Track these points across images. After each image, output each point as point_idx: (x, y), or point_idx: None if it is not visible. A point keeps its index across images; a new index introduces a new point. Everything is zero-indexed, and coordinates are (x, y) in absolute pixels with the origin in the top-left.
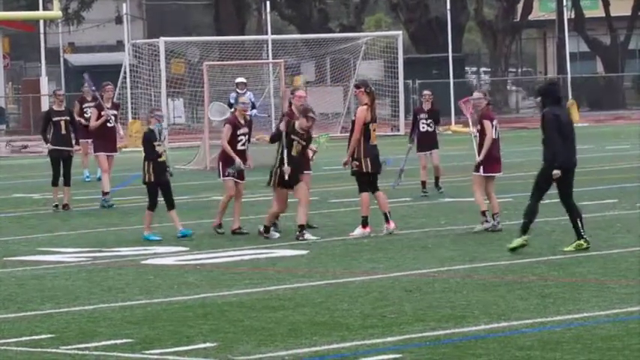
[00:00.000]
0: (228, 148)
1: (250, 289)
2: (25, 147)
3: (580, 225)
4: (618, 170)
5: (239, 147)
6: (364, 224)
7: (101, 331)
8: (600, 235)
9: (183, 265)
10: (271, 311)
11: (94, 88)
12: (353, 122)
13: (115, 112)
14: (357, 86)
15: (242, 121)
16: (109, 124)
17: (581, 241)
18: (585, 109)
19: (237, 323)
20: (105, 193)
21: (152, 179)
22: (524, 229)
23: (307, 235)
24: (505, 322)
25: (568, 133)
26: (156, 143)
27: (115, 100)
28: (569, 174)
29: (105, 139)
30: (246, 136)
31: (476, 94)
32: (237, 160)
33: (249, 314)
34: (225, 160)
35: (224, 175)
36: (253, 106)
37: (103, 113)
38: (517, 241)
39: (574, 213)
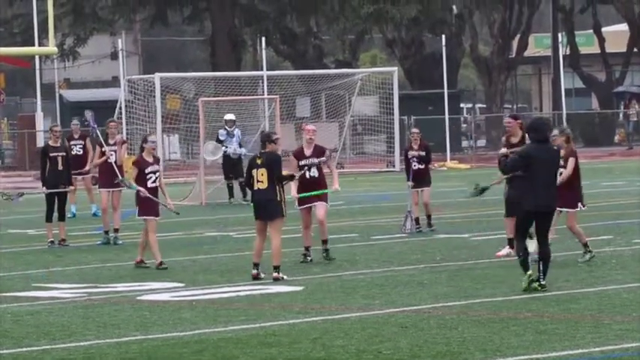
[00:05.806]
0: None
1: (246, 325)
2: (22, 195)
3: (541, 267)
4: (613, 207)
5: (149, 185)
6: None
7: None
8: (596, 272)
9: (179, 301)
10: (267, 347)
11: (95, 125)
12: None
13: (116, 148)
14: (515, 117)
15: (149, 160)
16: (109, 161)
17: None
18: (580, 146)
19: (232, 359)
20: (106, 232)
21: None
22: (525, 267)
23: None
24: (500, 359)
25: (544, 173)
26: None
27: (123, 137)
28: (539, 217)
29: (108, 175)
30: (157, 174)
31: (555, 131)
32: (142, 190)
33: (245, 350)
34: (139, 198)
35: (138, 215)
36: (240, 145)
37: (104, 149)
38: (524, 280)
39: (543, 253)
